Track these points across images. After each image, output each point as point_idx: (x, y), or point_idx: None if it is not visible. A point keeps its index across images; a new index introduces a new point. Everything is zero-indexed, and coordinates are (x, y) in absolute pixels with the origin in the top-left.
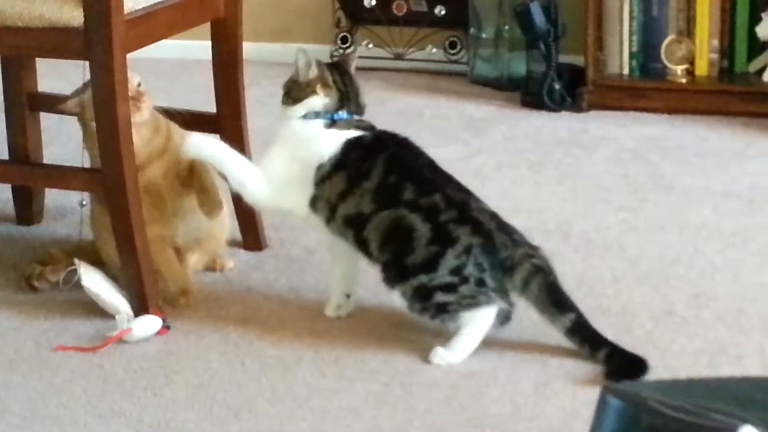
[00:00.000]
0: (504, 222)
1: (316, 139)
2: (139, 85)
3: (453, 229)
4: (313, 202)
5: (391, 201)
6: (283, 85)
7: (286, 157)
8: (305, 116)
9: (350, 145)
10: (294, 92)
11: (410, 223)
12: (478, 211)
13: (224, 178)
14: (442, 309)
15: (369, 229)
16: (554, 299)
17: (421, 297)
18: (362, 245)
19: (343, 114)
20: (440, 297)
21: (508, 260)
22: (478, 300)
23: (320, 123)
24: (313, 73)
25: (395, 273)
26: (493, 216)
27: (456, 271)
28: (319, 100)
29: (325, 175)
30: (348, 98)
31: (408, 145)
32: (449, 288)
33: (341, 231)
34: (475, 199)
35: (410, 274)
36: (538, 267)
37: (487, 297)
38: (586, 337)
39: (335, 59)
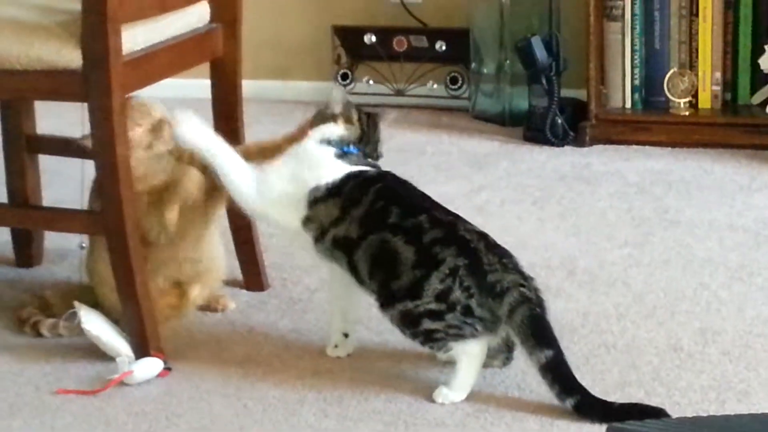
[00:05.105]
0: (494, 243)
1: (322, 163)
2: (159, 113)
3: (438, 251)
4: (305, 222)
5: (377, 225)
6: (311, 117)
7: (287, 173)
8: (320, 141)
9: (350, 177)
10: (317, 119)
11: (394, 246)
12: (465, 231)
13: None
14: (430, 337)
15: (358, 255)
16: (535, 332)
17: (409, 323)
18: (354, 271)
19: (353, 149)
20: (427, 324)
21: (498, 285)
22: (463, 332)
23: (331, 151)
24: (339, 108)
25: (383, 298)
26: (482, 236)
27: (441, 296)
28: (336, 129)
29: (319, 198)
30: (367, 140)
31: (405, 182)
32: (435, 315)
33: (330, 252)
34: (464, 222)
35: (396, 299)
36: (526, 297)
37: (472, 329)
38: (558, 379)
39: (371, 110)
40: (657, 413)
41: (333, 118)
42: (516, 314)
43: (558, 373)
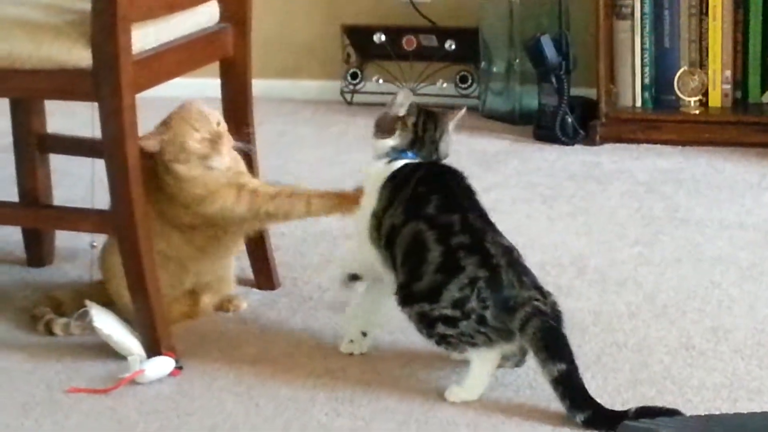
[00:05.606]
0: (517, 260)
1: (382, 169)
2: (218, 124)
3: (462, 257)
4: (370, 228)
5: (416, 212)
6: (375, 119)
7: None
8: (378, 157)
9: (407, 165)
10: (382, 124)
11: (425, 241)
12: (492, 243)
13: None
14: (444, 339)
15: (397, 244)
16: (548, 344)
17: (426, 324)
18: (393, 262)
19: (409, 155)
20: (441, 329)
21: (511, 300)
22: (475, 340)
23: (386, 160)
24: (402, 111)
25: (403, 295)
26: (507, 251)
27: (458, 304)
28: (390, 142)
29: (381, 190)
30: (421, 143)
31: (455, 173)
32: (449, 321)
33: (384, 255)
34: (494, 232)
35: (415, 300)
36: (539, 310)
37: (485, 338)
38: (569, 393)
39: (437, 108)
40: (672, 415)
41: (394, 122)
42: (528, 327)
43: (569, 388)
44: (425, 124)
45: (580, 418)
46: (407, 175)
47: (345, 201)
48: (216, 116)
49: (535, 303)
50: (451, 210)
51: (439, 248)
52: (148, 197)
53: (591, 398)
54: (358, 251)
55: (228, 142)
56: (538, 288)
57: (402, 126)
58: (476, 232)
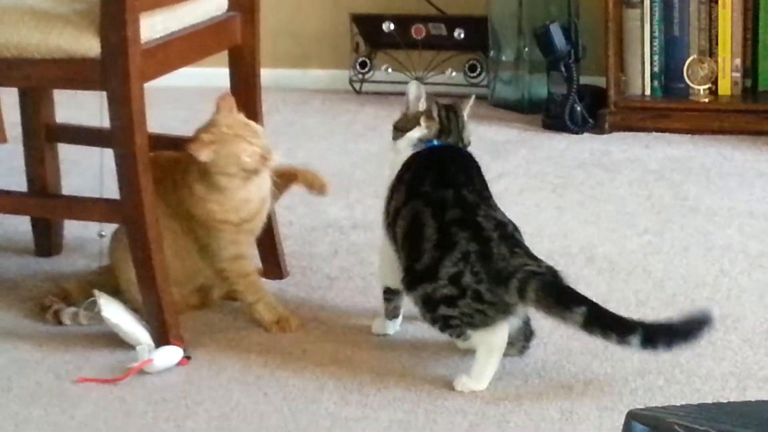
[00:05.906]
0: (510, 234)
1: (403, 156)
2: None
3: (454, 233)
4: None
5: (415, 191)
6: (393, 123)
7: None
8: (404, 148)
9: (420, 151)
10: (401, 125)
11: (422, 218)
12: (484, 216)
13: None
14: (447, 323)
15: (399, 225)
16: (557, 296)
17: (429, 307)
18: (396, 244)
19: (435, 143)
20: (443, 310)
21: (503, 272)
22: (474, 320)
23: (414, 150)
24: (423, 105)
25: (408, 279)
26: (501, 225)
27: (454, 279)
28: (418, 132)
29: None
30: (448, 132)
31: (457, 150)
32: (449, 301)
33: (392, 237)
34: (489, 206)
35: (418, 282)
36: (532, 272)
37: (483, 316)
38: (607, 327)
39: (449, 101)
40: (704, 322)
41: (417, 118)
42: (528, 291)
43: (603, 323)
44: (448, 115)
45: (634, 344)
46: (414, 159)
47: (279, 324)
48: (261, 128)
49: (527, 268)
50: (446, 185)
51: (435, 224)
52: (161, 195)
53: (632, 320)
54: (381, 252)
55: (274, 157)
56: (529, 254)
57: (427, 118)
58: (469, 206)
